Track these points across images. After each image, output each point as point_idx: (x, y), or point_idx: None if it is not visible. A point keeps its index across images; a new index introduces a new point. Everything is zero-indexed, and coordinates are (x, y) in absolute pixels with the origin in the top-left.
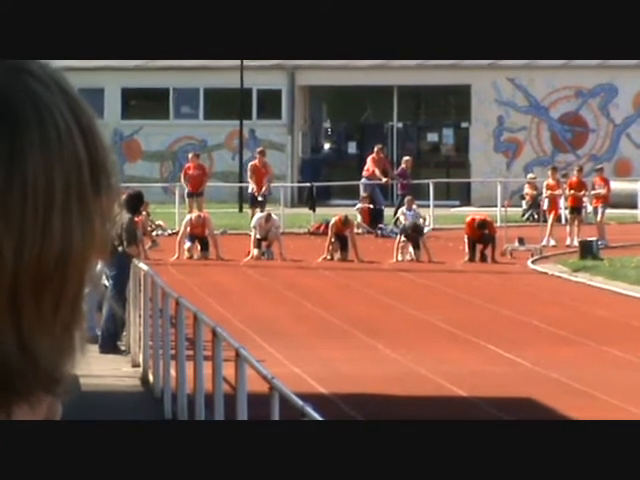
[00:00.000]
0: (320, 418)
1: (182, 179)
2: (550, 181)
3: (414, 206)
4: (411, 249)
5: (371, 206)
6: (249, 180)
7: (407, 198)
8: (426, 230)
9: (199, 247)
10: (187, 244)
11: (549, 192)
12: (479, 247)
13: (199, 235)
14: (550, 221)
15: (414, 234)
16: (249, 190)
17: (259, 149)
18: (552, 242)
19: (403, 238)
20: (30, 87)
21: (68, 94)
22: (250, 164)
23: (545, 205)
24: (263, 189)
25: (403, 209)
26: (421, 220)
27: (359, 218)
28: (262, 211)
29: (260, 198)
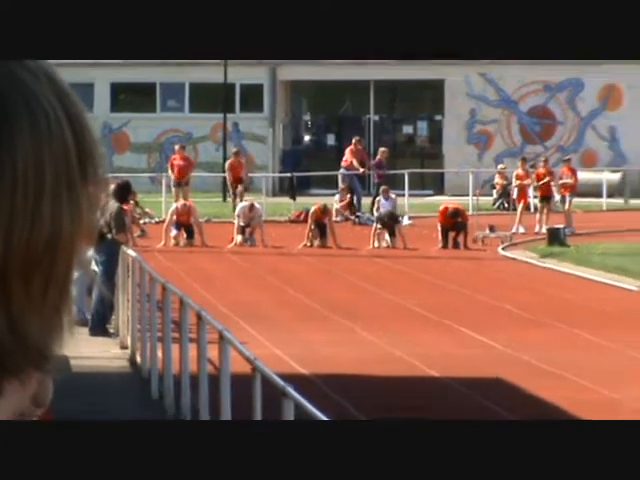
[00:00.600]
0: (300, 398)
1: (169, 169)
2: (519, 171)
3: (392, 195)
4: (387, 236)
5: (349, 196)
6: (227, 175)
7: (383, 187)
8: (406, 222)
9: (185, 234)
10: (173, 232)
11: (518, 182)
12: (452, 234)
13: (185, 223)
14: (519, 209)
15: (390, 222)
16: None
17: (234, 149)
18: (522, 229)
19: (379, 226)
20: (19, 77)
21: (57, 84)
22: (227, 162)
23: (515, 194)
24: (241, 185)
25: (380, 198)
26: (396, 209)
27: (336, 206)
28: (241, 200)
29: (239, 188)
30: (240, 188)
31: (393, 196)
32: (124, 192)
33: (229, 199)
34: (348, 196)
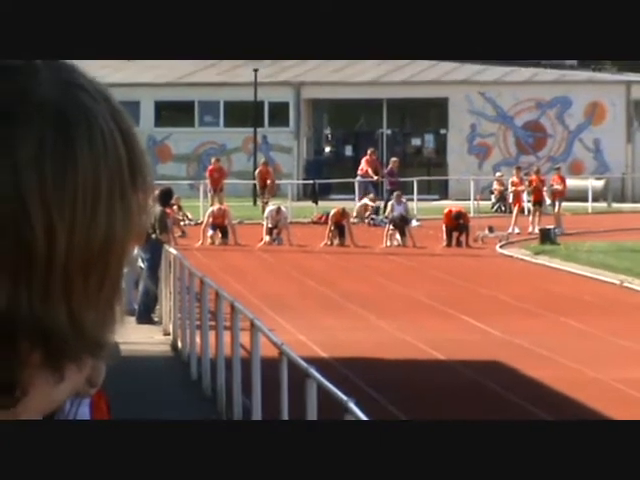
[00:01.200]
0: (322, 379)
1: (207, 178)
2: (514, 179)
3: (403, 199)
4: (398, 236)
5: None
6: (256, 182)
7: (396, 193)
8: (414, 224)
9: (220, 235)
10: (210, 232)
11: (513, 188)
12: (455, 234)
13: (220, 224)
14: (515, 212)
15: (401, 223)
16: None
17: (262, 160)
18: (517, 230)
19: (391, 227)
20: (81, 100)
21: (110, 103)
22: (257, 170)
23: (510, 199)
24: (267, 191)
25: (393, 202)
26: (408, 212)
27: (355, 211)
28: (268, 204)
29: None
30: (266, 194)
31: (404, 201)
32: (166, 197)
33: (259, 203)
34: (364, 201)
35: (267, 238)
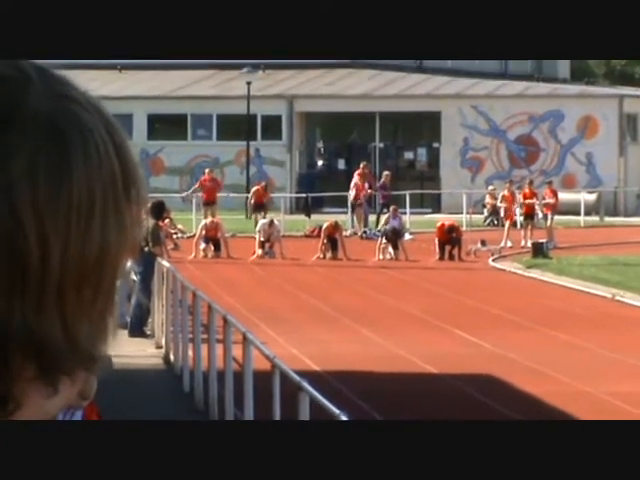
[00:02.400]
0: (314, 392)
1: (200, 190)
2: (506, 192)
3: (399, 214)
4: (391, 249)
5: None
6: (250, 199)
7: (392, 207)
8: (407, 237)
9: (212, 247)
10: (202, 245)
11: (504, 202)
12: (448, 248)
13: (213, 237)
14: (507, 226)
15: (394, 237)
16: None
17: (263, 183)
18: (509, 244)
19: (384, 240)
20: (76, 114)
21: (104, 116)
22: (254, 189)
23: (502, 213)
24: (262, 210)
25: (388, 215)
26: (404, 226)
27: (349, 224)
28: (263, 218)
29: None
30: (262, 212)
31: (399, 215)
32: (159, 210)
33: (252, 216)
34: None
35: (259, 251)
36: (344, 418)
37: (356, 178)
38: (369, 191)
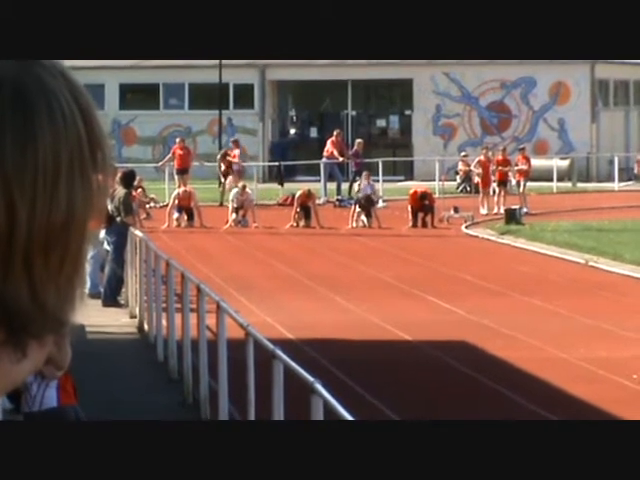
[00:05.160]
0: (288, 360)
1: (171, 156)
2: (482, 158)
3: (371, 181)
4: (364, 217)
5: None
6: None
7: (364, 173)
8: (380, 205)
9: (186, 217)
10: (175, 214)
11: (480, 169)
12: (421, 215)
13: (186, 206)
14: (482, 193)
15: (367, 204)
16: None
17: (232, 139)
18: (485, 210)
19: (357, 208)
20: (40, 76)
21: (70, 81)
22: (222, 151)
23: (476, 179)
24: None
25: (361, 182)
26: (377, 193)
27: (322, 192)
28: (235, 186)
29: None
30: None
31: (371, 181)
32: (129, 179)
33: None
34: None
35: (233, 217)
36: (318, 386)
37: (329, 146)
38: (341, 159)
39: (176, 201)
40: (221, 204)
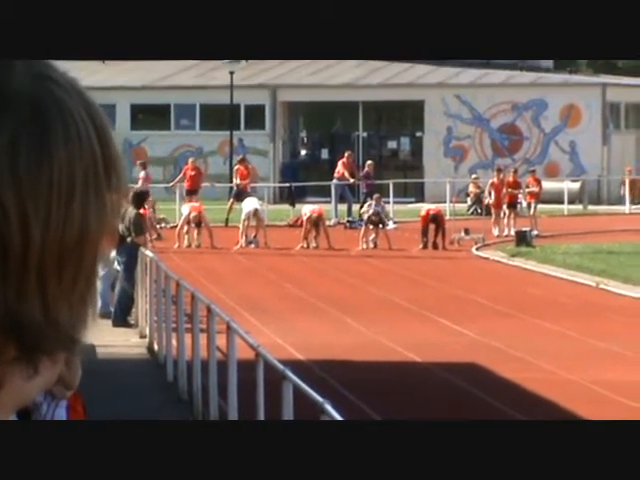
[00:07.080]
0: (298, 380)
1: (182, 176)
2: (495, 180)
3: (382, 203)
4: (373, 235)
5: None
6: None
7: (376, 196)
8: (391, 226)
9: (196, 230)
10: (185, 228)
11: (492, 190)
12: (432, 235)
13: (196, 222)
14: (494, 215)
15: (377, 220)
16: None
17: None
18: (496, 232)
19: (369, 227)
20: (55, 94)
21: (85, 99)
22: (235, 168)
23: (488, 201)
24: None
25: (371, 203)
26: (387, 213)
27: (332, 213)
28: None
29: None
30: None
31: (382, 203)
32: (140, 199)
33: (236, 206)
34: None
35: (243, 239)
36: (328, 406)
37: (339, 167)
38: (352, 180)
39: (190, 217)
40: (226, 224)
